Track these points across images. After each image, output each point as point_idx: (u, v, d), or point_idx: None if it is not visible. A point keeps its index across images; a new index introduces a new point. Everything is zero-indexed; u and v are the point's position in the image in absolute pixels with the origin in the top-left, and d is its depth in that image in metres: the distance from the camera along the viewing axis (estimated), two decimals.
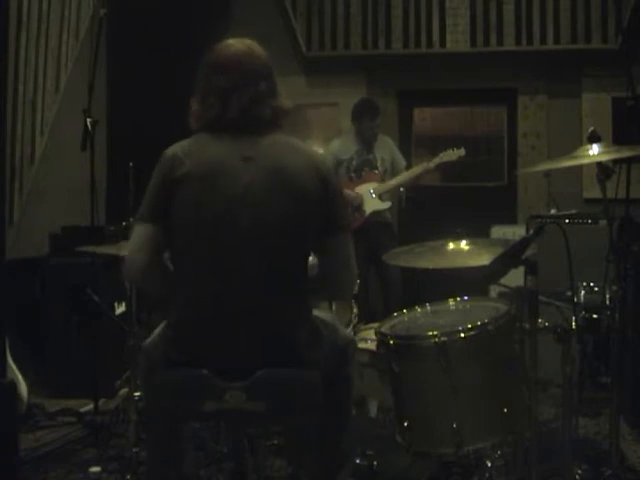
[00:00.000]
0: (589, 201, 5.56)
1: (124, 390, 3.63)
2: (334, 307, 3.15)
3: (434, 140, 6.22)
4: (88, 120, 3.65)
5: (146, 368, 2.21)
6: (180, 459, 2.20)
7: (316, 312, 2.22)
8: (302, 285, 2.13)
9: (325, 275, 2.20)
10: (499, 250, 2.25)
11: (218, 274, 2.02)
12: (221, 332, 2.01)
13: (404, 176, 4.98)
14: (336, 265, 2.19)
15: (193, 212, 2.02)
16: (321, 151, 4.86)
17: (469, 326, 2.30)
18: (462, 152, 4.96)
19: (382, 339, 2.46)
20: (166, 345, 2.09)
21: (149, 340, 2.23)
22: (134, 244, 2.11)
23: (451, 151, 4.98)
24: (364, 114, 4.96)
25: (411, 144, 6.33)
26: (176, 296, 2.08)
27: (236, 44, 2.17)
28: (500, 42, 5.81)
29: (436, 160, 4.99)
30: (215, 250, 2.01)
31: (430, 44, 5.92)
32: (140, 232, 2.10)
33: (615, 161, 2.80)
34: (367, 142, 5.00)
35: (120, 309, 4.28)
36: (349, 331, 3.10)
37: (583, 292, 3.59)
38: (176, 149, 2.09)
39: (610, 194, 2.73)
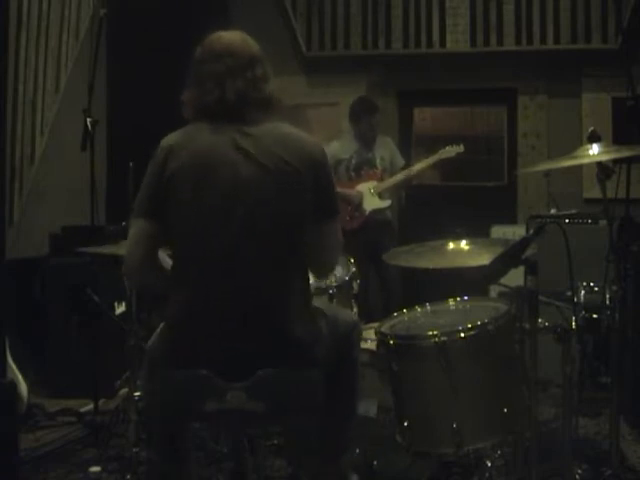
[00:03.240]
0: (589, 201, 5.55)
1: (124, 390, 3.62)
2: (334, 303, 3.15)
3: (434, 140, 6.21)
4: (88, 120, 3.65)
5: (148, 370, 2.21)
6: (180, 459, 2.20)
7: (315, 303, 2.22)
8: (301, 277, 2.13)
9: (312, 260, 2.19)
10: (499, 250, 2.25)
11: (216, 268, 2.01)
12: (222, 331, 2.00)
13: (403, 174, 4.98)
14: (320, 250, 2.18)
15: (189, 205, 2.02)
16: None
17: (469, 326, 2.30)
18: (461, 148, 4.97)
19: (382, 339, 2.46)
20: (166, 344, 2.09)
21: (151, 342, 2.23)
22: (130, 241, 2.11)
23: (450, 147, 4.98)
24: (362, 113, 4.96)
25: (411, 144, 6.33)
26: (175, 293, 2.07)
27: (227, 34, 2.19)
28: (500, 42, 5.81)
29: (435, 157, 5.00)
30: (213, 243, 2.01)
31: (430, 44, 5.91)
32: (136, 229, 2.10)
33: (615, 161, 2.80)
34: (367, 141, 5.00)
35: (120, 309, 4.28)
36: (353, 313, 3.08)
37: (583, 292, 3.59)
38: (171, 141, 2.09)
39: (610, 194, 2.73)
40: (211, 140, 2.06)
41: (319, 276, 2.70)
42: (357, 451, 2.69)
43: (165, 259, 2.20)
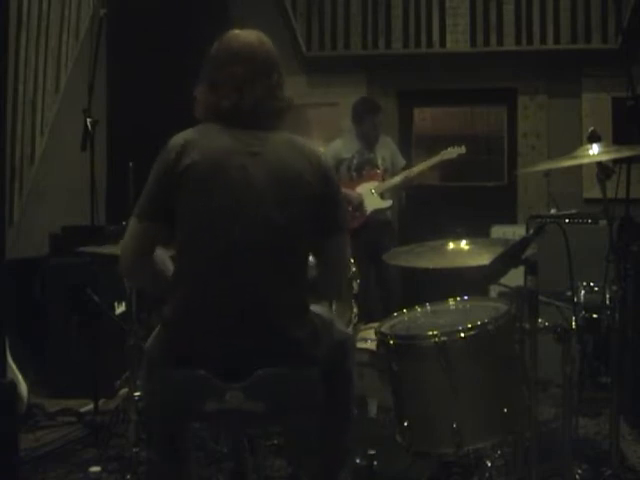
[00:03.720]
0: (589, 201, 5.56)
1: (124, 390, 3.62)
2: (334, 306, 3.15)
3: (434, 140, 6.22)
4: (88, 120, 3.65)
5: (147, 370, 2.21)
6: (180, 459, 2.20)
7: (313, 307, 2.22)
8: (301, 282, 2.13)
9: (320, 274, 2.20)
10: (499, 250, 2.25)
11: (219, 269, 2.01)
12: (220, 328, 2.00)
13: (405, 175, 4.98)
14: (332, 265, 2.19)
15: (196, 205, 2.01)
16: (322, 149, 4.86)
17: (469, 326, 2.30)
18: (462, 150, 4.97)
19: (382, 339, 2.45)
20: (163, 344, 2.09)
21: (149, 342, 2.23)
22: (127, 236, 2.09)
23: (452, 149, 4.99)
24: (365, 113, 4.95)
25: (411, 144, 6.33)
26: (176, 292, 2.07)
27: (246, 34, 2.17)
28: (500, 42, 5.81)
29: (437, 158, 5.00)
30: (217, 244, 2.01)
31: (430, 44, 5.92)
32: (134, 227, 2.07)
33: (615, 161, 2.80)
34: (369, 141, 5.00)
35: (120, 309, 4.28)
36: (348, 329, 3.10)
37: (583, 292, 3.58)
38: (181, 139, 2.06)
39: (610, 194, 2.73)
40: (224, 142, 2.05)
41: (331, 297, 2.68)
42: (357, 451, 2.69)
43: (166, 263, 2.19)
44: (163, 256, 2.18)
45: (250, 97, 2.07)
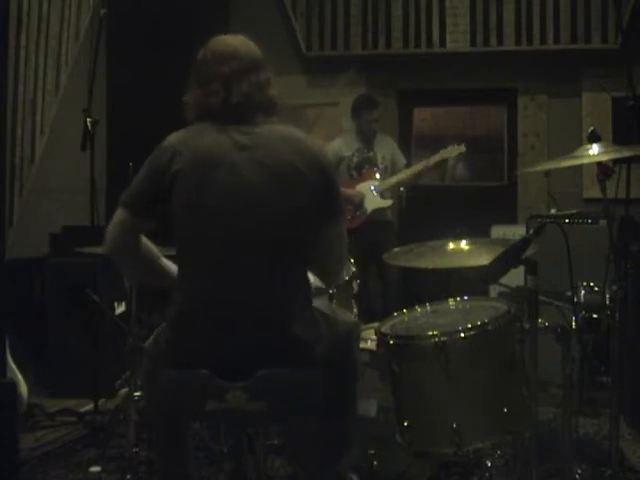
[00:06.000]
0: (589, 201, 5.55)
1: (124, 390, 3.62)
2: (334, 303, 3.15)
3: (434, 140, 6.21)
4: (88, 120, 3.66)
5: (147, 369, 2.21)
6: (181, 459, 2.20)
7: (315, 303, 2.22)
8: (302, 277, 2.14)
9: (313, 260, 2.20)
10: (499, 250, 2.25)
11: (218, 270, 2.02)
12: (222, 328, 2.01)
13: (405, 173, 4.98)
14: (324, 251, 2.18)
15: (191, 208, 2.02)
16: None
17: (469, 326, 2.30)
18: (462, 148, 4.95)
19: (382, 339, 2.46)
20: (166, 343, 2.09)
21: (149, 341, 2.23)
22: (115, 228, 2.09)
23: (451, 147, 4.97)
24: (362, 108, 4.97)
25: (411, 144, 6.33)
26: (178, 293, 2.07)
27: (230, 38, 2.21)
28: (500, 42, 5.81)
29: (436, 157, 4.98)
30: (214, 243, 2.02)
31: (430, 44, 5.91)
32: (123, 218, 2.08)
33: (615, 161, 2.80)
34: (367, 138, 5.00)
35: (120, 309, 4.28)
36: (352, 315, 3.07)
37: (583, 292, 3.58)
38: (174, 140, 2.09)
39: (610, 194, 2.73)
40: (214, 140, 2.07)
41: (325, 283, 2.70)
42: (357, 451, 2.69)
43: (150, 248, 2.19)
44: (148, 243, 2.18)
45: (238, 92, 2.10)
